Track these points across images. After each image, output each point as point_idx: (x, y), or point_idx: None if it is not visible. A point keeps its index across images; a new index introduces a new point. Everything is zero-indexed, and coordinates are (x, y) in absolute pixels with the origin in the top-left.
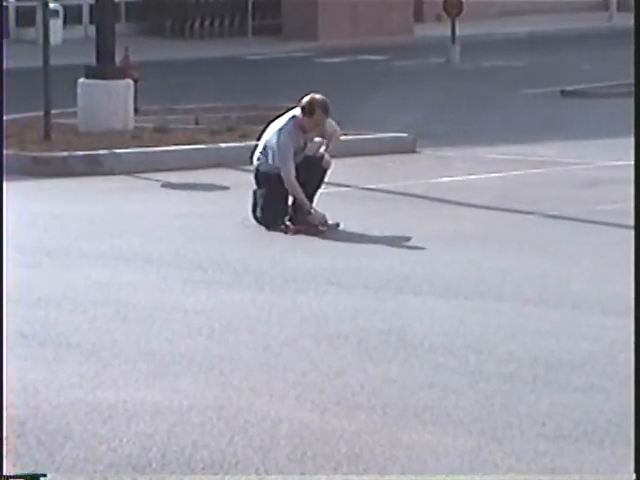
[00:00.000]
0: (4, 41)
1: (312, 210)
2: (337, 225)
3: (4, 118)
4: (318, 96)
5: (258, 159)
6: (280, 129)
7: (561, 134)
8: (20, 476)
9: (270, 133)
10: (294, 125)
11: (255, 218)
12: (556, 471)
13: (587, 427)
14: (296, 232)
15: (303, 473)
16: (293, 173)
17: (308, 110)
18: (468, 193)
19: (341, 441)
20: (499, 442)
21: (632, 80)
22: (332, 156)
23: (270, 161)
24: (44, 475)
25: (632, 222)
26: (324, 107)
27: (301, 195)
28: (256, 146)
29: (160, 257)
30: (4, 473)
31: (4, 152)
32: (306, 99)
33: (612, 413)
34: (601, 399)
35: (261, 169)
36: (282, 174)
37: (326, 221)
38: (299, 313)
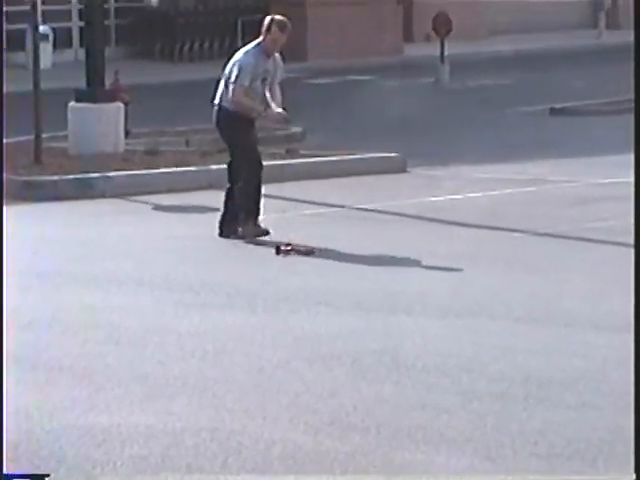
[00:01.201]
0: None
1: (264, 112)
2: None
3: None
4: (277, 16)
5: (220, 98)
6: (241, 55)
7: (550, 152)
8: (21, 475)
9: (230, 65)
10: (256, 50)
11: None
12: None
13: (580, 445)
14: (287, 253)
15: None
16: (245, 86)
17: (266, 28)
18: (458, 212)
19: (335, 462)
20: (492, 461)
21: (621, 98)
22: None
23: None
24: (47, 475)
25: (623, 239)
26: (281, 25)
27: (250, 103)
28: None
29: (152, 280)
30: (4, 473)
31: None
32: (265, 19)
33: (605, 431)
34: (594, 417)
35: (223, 105)
36: (232, 87)
37: (285, 118)
38: (292, 334)
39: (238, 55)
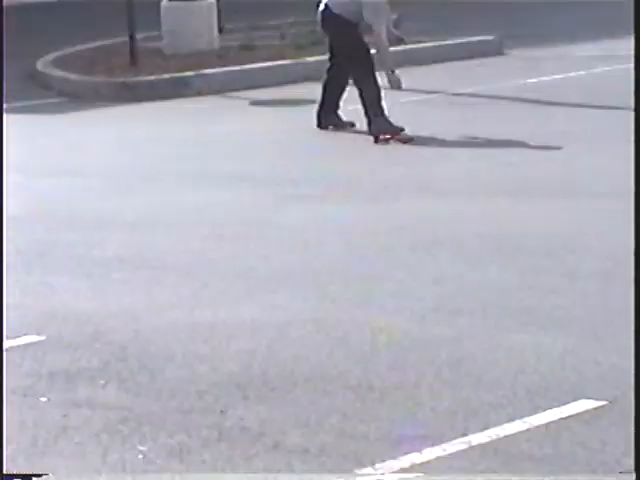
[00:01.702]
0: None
1: (393, 70)
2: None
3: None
4: None
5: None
6: None
7: None
8: (20, 476)
9: None
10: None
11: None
12: None
13: None
14: (386, 142)
15: (404, 382)
16: (383, 28)
17: None
18: (558, 92)
19: (441, 347)
20: (600, 340)
21: None
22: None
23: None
24: (45, 474)
25: None
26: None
27: (389, 52)
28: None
29: (252, 175)
30: (4, 472)
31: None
32: None
33: None
34: None
35: (344, 14)
36: (374, 29)
37: (400, 85)
38: (393, 222)
39: None
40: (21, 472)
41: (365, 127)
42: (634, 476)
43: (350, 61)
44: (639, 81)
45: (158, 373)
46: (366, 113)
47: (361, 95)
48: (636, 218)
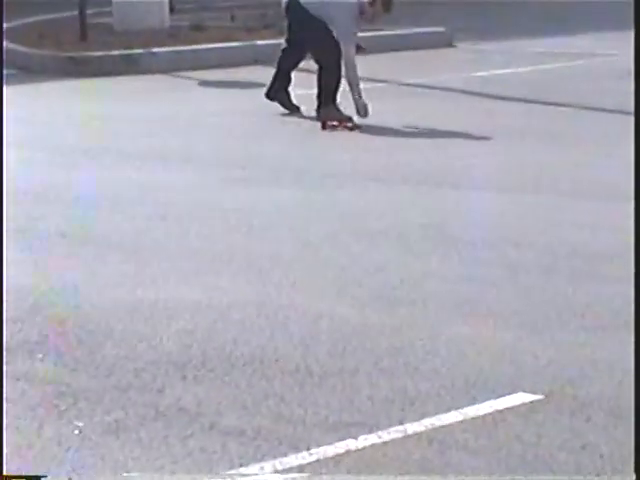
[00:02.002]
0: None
1: (360, 96)
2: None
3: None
4: None
5: None
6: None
7: (597, 26)
8: (20, 476)
9: None
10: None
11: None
12: (597, 362)
13: (627, 317)
14: (333, 128)
15: (343, 368)
16: (354, 43)
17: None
18: (505, 87)
19: (381, 336)
20: (539, 334)
21: None
22: None
23: (323, 12)
24: (44, 476)
25: None
26: (386, 2)
27: (356, 76)
28: None
29: (198, 156)
30: (4, 473)
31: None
32: None
33: None
34: None
35: (311, 10)
36: (343, 46)
37: (366, 112)
38: (338, 209)
39: None
40: (21, 472)
41: (314, 112)
42: (634, 476)
43: (317, 50)
44: (639, 81)
45: (97, 349)
46: (319, 97)
47: (320, 79)
48: (636, 218)
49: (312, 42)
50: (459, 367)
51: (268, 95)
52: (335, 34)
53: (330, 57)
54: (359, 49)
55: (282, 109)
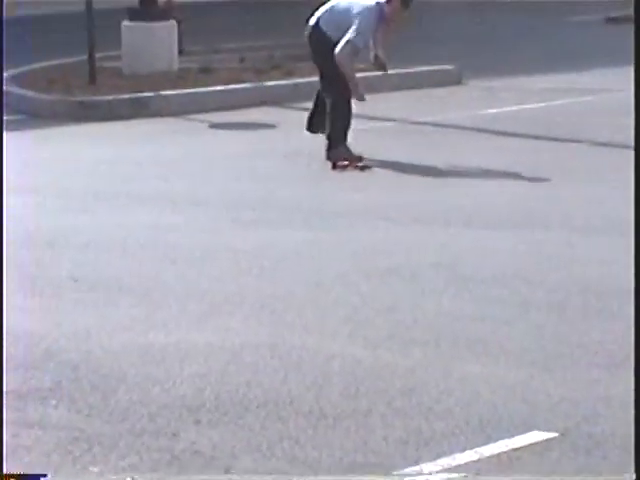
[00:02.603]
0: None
1: (360, 93)
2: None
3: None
4: None
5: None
6: (365, 6)
7: (607, 61)
8: (20, 476)
9: (346, 3)
10: (378, 9)
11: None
12: (610, 400)
13: None
14: (344, 168)
15: (356, 409)
16: (358, 48)
17: None
18: (516, 123)
19: (394, 376)
20: (551, 372)
21: None
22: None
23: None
24: (44, 475)
25: None
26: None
27: (350, 70)
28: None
29: (208, 198)
30: (4, 473)
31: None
32: None
33: None
34: None
35: (331, 34)
36: (348, 41)
37: (383, 65)
38: (349, 249)
39: (360, 3)
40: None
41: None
42: (634, 476)
43: (329, 82)
44: (638, 87)
45: (110, 394)
46: (329, 137)
47: (331, 119)
48: (636, 219)
49: (327, 75)
50: (473, 406)
51: (310, 129)
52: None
53: (342, 94)
54: (382, 67)
55: (291, 150)
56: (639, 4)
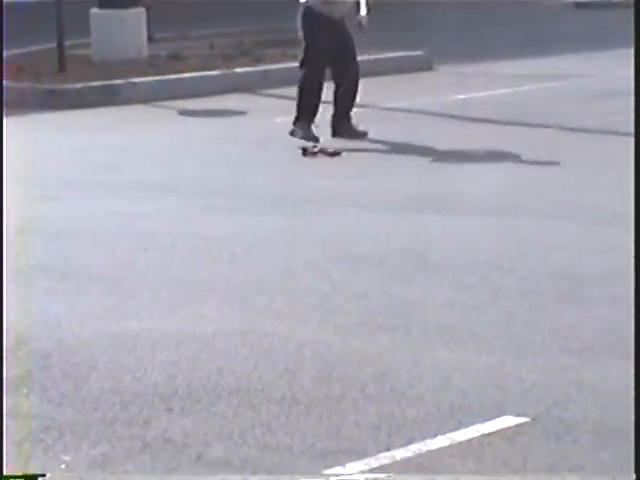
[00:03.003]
0: None
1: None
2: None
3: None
4: None
5: None
6: None
7: (577, 46)
8: (20, 476)
9: None
10: None
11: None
12: (581, 385)
13: (611, 339)
14: (314, 155)
15: (328, 395)
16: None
17: None
18: (486, 109)
19: (365, 362)
20: (522, 358)
21: None
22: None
23: None
24: (43, 475)
25: None
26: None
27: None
28: None
29: (179, 185)
30: (4, 473)
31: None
32: None
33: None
34: (624, 311)
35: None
36: None
37: (362, 24)
38: (320, 235)
39: None
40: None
41: (295, 138)
42: (634, 476)
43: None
44: (638, 86)
45: (82, 383)
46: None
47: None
48: (636, 220)
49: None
50: (444, 392)
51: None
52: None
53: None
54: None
55: (261, 137)
56: (639, 4)
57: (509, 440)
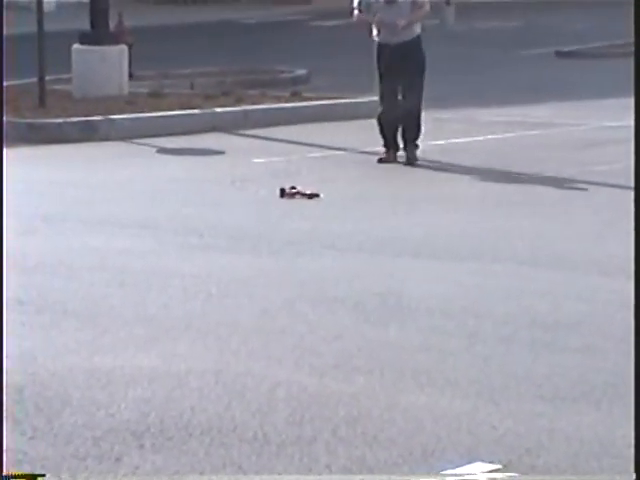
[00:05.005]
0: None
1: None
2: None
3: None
4: None
5: None
6: None
7: (556, 95)
8: (20, 476)
9: None
10: None
11: None
12: (554, 433)
13: (585, 388)
14: (292, 196)
15: (301, 437)
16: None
17: None
18: (464, 155)
19: (339, 404)
20: (496, 404)
21: (627, 40)
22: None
23: None
24: (42, 475)
25: (628, 182)
26: None
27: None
28: None
29: (156, 222)
30: (4, 473)
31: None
32: None
33: (609, 374)
34: (599, 360)
35: None
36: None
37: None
38: (296, 277)
39: None
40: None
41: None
42: (634, 476)
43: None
44: (638, 84)
45: (54, 417)
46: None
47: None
48: (636, 226)
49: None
50: (417, 436)
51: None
52: None
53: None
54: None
55: (240, 176)
56: (639, 4)
57: None
